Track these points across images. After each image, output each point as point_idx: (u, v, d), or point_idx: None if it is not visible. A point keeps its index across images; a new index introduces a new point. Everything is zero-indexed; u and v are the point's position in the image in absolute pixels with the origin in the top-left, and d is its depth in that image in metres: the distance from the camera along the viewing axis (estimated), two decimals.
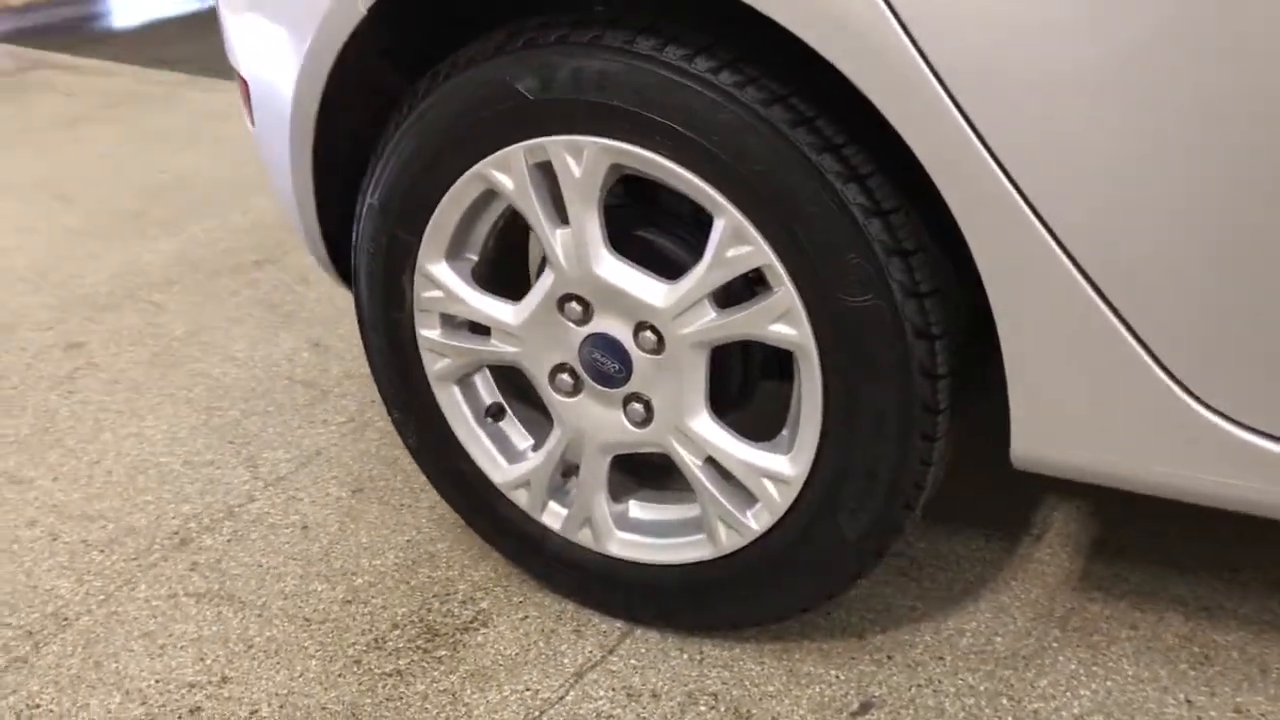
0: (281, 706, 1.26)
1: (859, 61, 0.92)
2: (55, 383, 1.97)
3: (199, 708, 1.27)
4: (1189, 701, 1.19)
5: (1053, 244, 0.92)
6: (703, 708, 1.22)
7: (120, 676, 1.32)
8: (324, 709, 1.26)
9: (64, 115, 3.53)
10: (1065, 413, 1.00)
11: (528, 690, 1.26)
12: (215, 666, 1.33)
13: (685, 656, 1.29)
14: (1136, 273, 0.91)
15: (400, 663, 1.31)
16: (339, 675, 1.30)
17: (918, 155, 0.93)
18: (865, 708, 1.21)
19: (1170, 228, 0.88)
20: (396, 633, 1.36)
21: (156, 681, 1.31)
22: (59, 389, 1.95)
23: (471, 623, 1.36)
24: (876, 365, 1.05)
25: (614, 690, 1.25)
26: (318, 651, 1.34)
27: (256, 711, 1.26)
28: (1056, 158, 0.89)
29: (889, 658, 1.26)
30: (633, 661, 1.29)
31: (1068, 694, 1.20)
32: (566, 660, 1.30)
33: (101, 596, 1.45)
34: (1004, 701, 1.20)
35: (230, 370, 1.97)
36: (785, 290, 1.06)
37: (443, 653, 1.32)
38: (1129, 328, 0.94)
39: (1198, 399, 0.95)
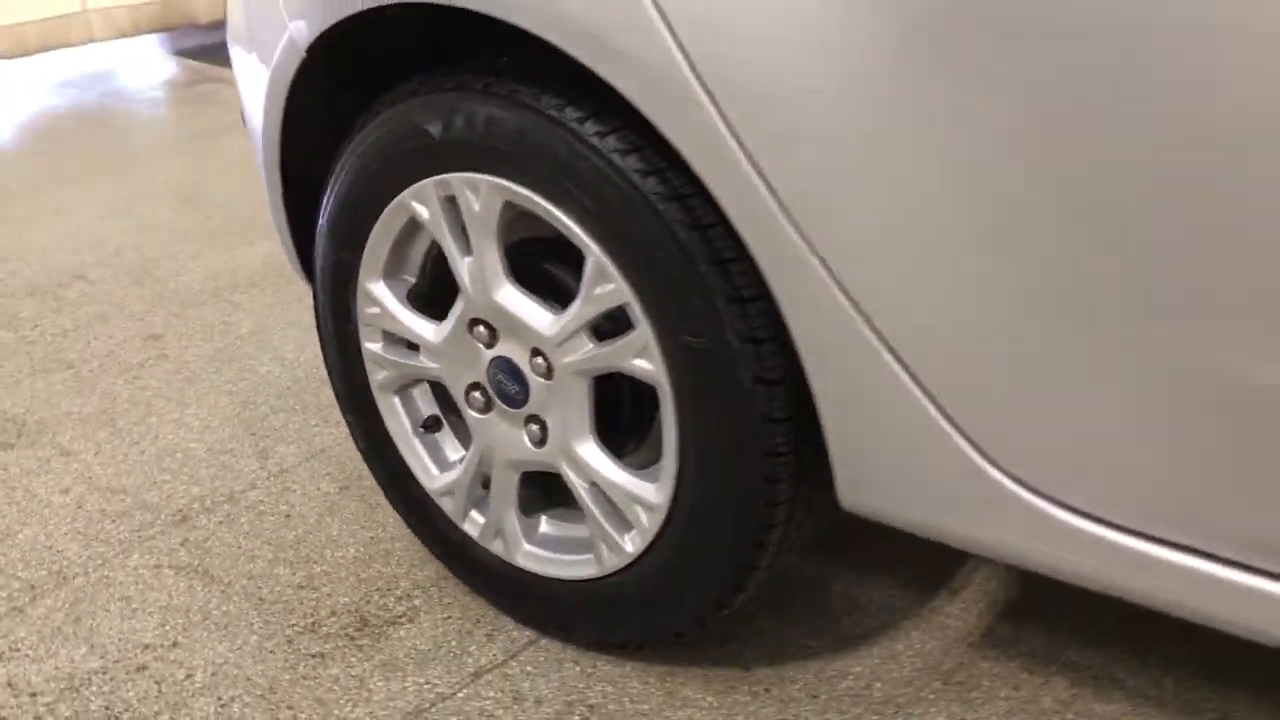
0: (213, 674, 1.40)
1: (671, 123, 0.99)
2: (126, 369, 2.18)
3: (145, 666, 1.41)
4: None
5: (847, 305, 0.96)
6: (576, 717, 1.29)
7: (91, 633, 1.48)
8: (248, 679, 1.38)
9: (213, 126, 3.84)
10: (875, 467, 1.04)
11: (427, 684, 1.36)
12: (171, 632, 1.47)
13: (578, 669, 1.36)
14: (930, 338, 0.95)
15: (326, 646, 1.43)
16: (270, 651, 1.42)
17: (723, 208, 0.99)
18: None
19: (955, 293, 0.92)
20: (332, 619, 1.48)
21: (119, 640, 1.46)
22: (127, 374, 2.16)
23: (400, 617, 1.47)
24: (719, 406, 1.11)
25: (503, 693, 1.33)
26: (260, 629, 1.47)
27: (191, 675, 1.40)
28: (845, 219, 0.94)
29: (766, 690, 1.31)
30: (529, 668, 1.37)
31: None
32: (470, 660, 1.39)
33: (99, 561, 1.62)
34: None
35: (275, 369, 2.14)
36: (643, 328, 1.13)
37: (365, 642, 1.43)
38: (925, 391, 0.97)
39: (994, 464, 0.97)
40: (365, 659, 1.40)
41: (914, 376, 0.96)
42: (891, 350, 0.96)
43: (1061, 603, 1.41)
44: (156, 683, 1.39)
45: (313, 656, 1.41)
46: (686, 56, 0.95)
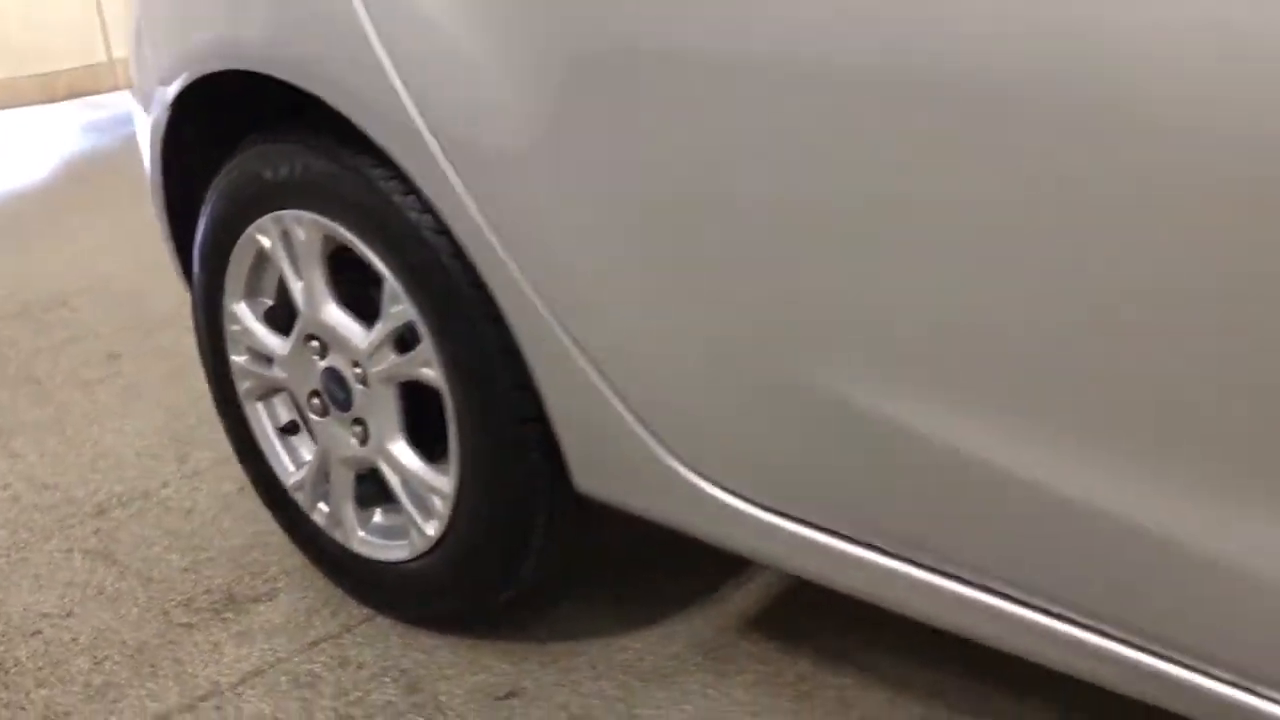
0: (95, 638, 1.62)
1: (408, 163, 1.21)
2: (84, 384, 2.44)
3: (40, 631, 1.65)
4: None
5: (547, 314, 1.18)
6: (387, 679, 1.50)
7: (1, 604, 1.71)
8: (123, 643, 1.61)
9: None
10: (592, 457, 1.24)
11: (270, 650, 1.57)
12: (68, 604, 1.70)
13: (400, 640, 1.57)
14: (607, 342, 1.15)
15: (195, 618, 1.65)
16: (147, 621, 1.65)
17: (457, 237, 1.21)
18: (510, 695, 1.45)
19: (622, 305, 1.12)
20: (205, 596, 1.70)
21: (22, 610, 1.69)
22: (84, 389, 2.41)
23: (262, 596, 1.69)
24: (485, 407, 1.32)
25: (331, 658, 1.54)
26: (143, 603, 1.69)
27: (76, 639, 1.62)
28: (533, 239, 1.15)
29: (554, 661, 1.50)
30: (359, 639, 1.58)
31: (674, 706, 1.41)
32: (312, 632, 1.60)
33: (22, 545, 1.86)
34: (619, 705, 1.42)
35: None
36: (426, 342, 1.35)
37: (229, 615, 1.65)
38: (612, 388, 1.17)
39: (670, 451, 1.17)
40: (224, 629, 1.62)
41: (602, 375, 1.17)
42: (584, 352, 1.17)
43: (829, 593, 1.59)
44: (46, 644, 1.62)
45: (181, 625, 1.63)
46: (416, 106, 1.17)
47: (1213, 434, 0.81)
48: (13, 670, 1.57)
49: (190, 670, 1.54)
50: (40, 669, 1.57)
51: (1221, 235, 0.76)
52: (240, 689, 1.50)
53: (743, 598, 1.61)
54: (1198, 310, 0.78)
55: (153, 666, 1.56)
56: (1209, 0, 0.73)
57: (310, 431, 1.62)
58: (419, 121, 1.18)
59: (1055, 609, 0.94)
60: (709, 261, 1.05)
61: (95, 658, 1.58)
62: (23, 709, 1.50)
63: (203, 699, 1.49)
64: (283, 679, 1.51)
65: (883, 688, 1.42)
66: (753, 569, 1.65)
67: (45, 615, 1.68)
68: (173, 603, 1.69)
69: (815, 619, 1.54)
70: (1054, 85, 0.79)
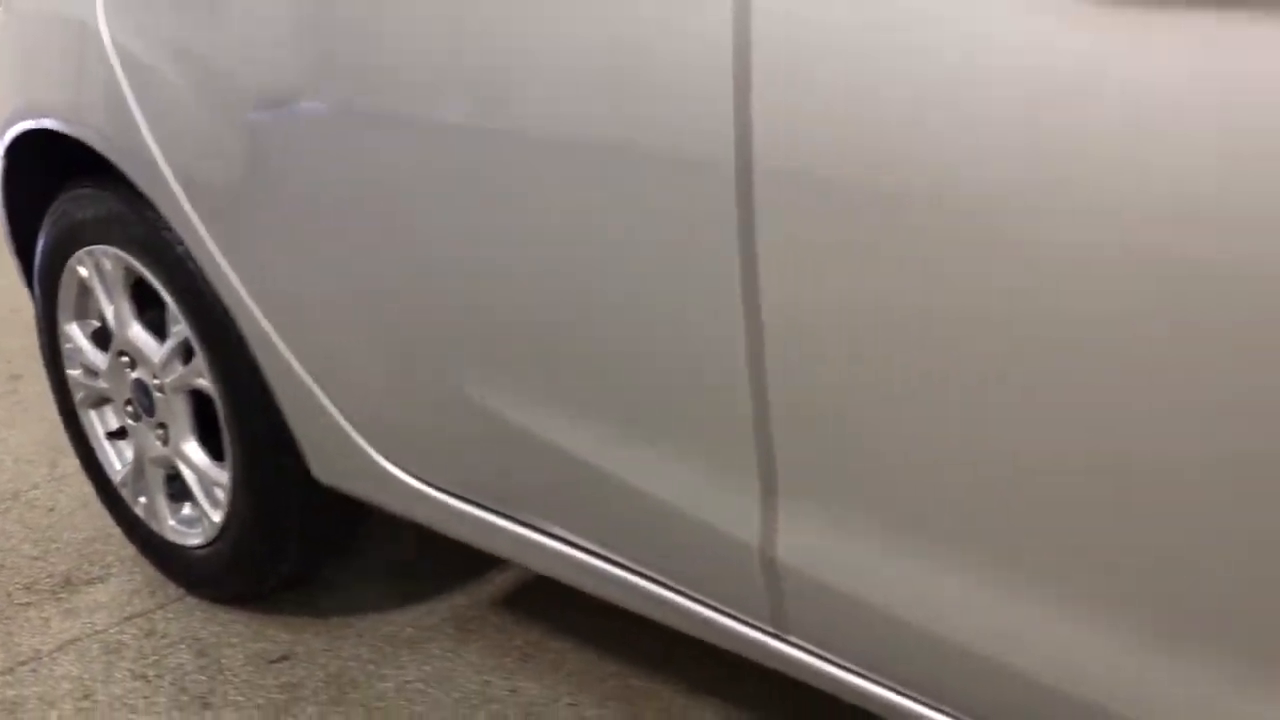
0: None
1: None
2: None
3: None
4: (513, 690, 1.62)
5: (275, 337, 1.44)
6: (183, 646, 1.75)
7: None
8: None
9: None
10: (317, 446, 1.50)
11: (89, 624, 1.82)
12: None
13: (204, 615, 1.82)
14: (326, 364, 1.41)
15: (34, 598, 1.90)
16: None
17: (201, 266, 1.47)
18: (282, 658, 1.70)
19: (306, 309, 1.38)
20: (48, 580, 1.95)
21: None
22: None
23: (95, 579, 1.94)
24: (245, 409, 1.58)
25: (140, 630, 1.79)
26: None
27: None
28: (258, 269, 1.41)
29: (328, 630, 1.75)
30: (169, 615, 1.83)
31: (415, 666, 1.66)
32: (130, 609, 1.85)
33: None
34: (370, 666, 1.67)
35: None
36: (200, 356, 1.61)
37: (63, 595, 1.90)
38: (332, 401, 1.43)
39: (368, 442, 1.43)
40: (57, 607, 1.87)
41: (318, 383, 1.43)
42: (302, 365, 1.43)
43: None
44: None
45: (19, 604, 1.89)
46: (160, 151, 1.44)
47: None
48: None
49: (17, 640, 1.79)
50: None
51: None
52: (56, 655, 1.75)
53: (502, 578, 1.86)
54: (637, 303, 1.04)
55: None
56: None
57: (129, 435, 1.88)
58: (163, 165, 1.44)
59: (611, 555, 1.20)
60: (380, 293, 1.31)
61: None
62: None
63: (22, 664, 1.74)
64: (95, 647, 1.76)
65: (593, 650, 1.67)
66: None
67: None
68: (17, 585, 1.94)
69: (553, 595, 1.79)
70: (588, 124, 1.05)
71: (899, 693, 1.02)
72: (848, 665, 1.05)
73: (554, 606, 1.77)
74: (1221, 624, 0.78)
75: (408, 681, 1.64)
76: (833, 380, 0.91)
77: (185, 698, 1.64)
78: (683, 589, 1.14)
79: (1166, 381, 0.74)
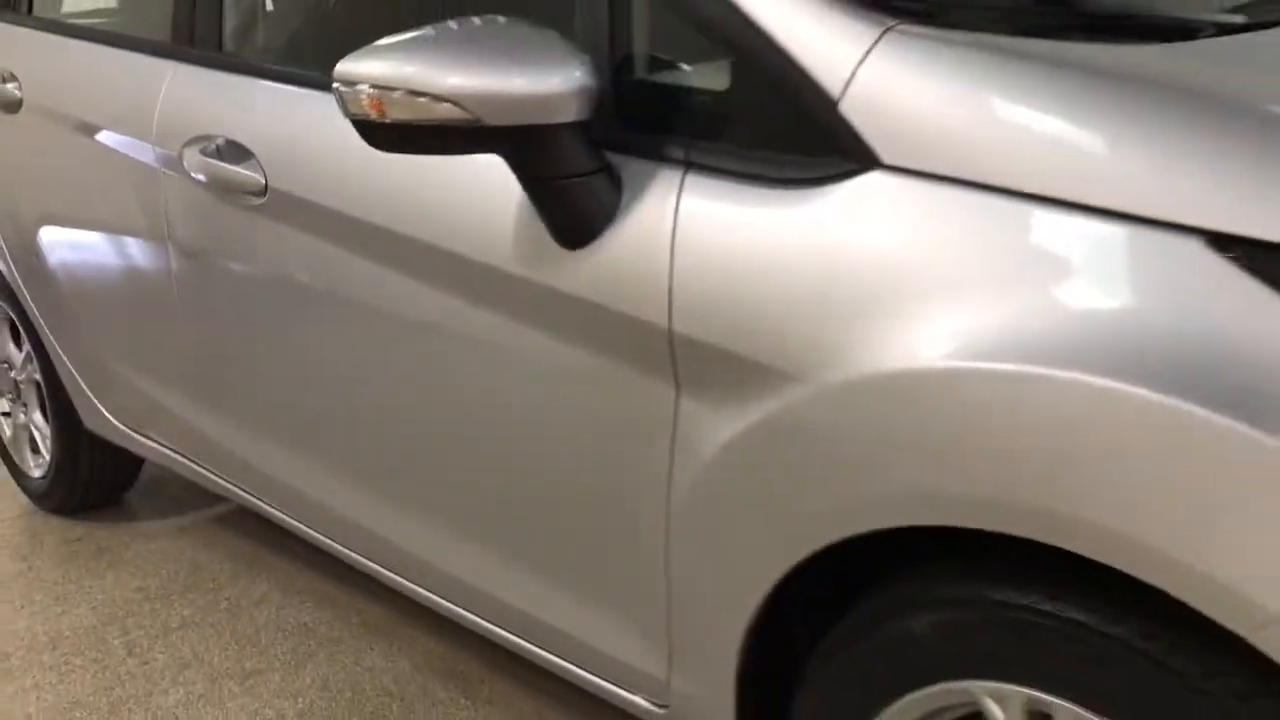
0: None
1: None
2: None
3: None
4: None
5: (51, 337, 2.65)
6: (19, 531, 2.94)
7: None
8: None
9: None
10: (84, 413, 2.70)
11: None
12: None
13: (44, 519, 3.01)
14: (80, 357, 2.62)
15: None
16: None
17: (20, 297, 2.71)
18: (78, 540, 2.89)
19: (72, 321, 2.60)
20: None
21: None
22: None
23: None
24: (55, 390, 2.78)
25: (10, 528, 2.99)
26: None
27: None
28: (51, 312, 2.63)
29: (124, 524, 2.94)
30: (25, 518, 3.02)
31: (160, 560, 2.83)
32: (12, 514, 3.05)
33: None
34: (108, 554, 2.84)
35: None
36: (36, 362, 2.83)
37: None
38: (83, 379, 2.64)
39: (109, 410, 2.63)
40: None
41: (75, 367, 2.63)
42: (66, 355, 2.64)
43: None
44: None
45: None
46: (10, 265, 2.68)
47: None
48: None
49: None
50: None
51: None
52: None
53: (239, 528, 3.03)
54: None
55: None
56: None
57: (10, 413, 3.11)
58: (12, 269, 2.68)
59: None
60: (98, 308, 2.51)
61: None
62: None
63: None
64: None
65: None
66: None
67: None
68: None
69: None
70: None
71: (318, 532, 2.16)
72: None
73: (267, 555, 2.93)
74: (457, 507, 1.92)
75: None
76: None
77: (14, 557, 2.83)
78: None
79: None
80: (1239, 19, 1.31)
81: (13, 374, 2.97)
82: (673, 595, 1.37)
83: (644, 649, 1.45)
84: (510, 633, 1.68)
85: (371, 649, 2.32)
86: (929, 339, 1.07)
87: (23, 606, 2.57)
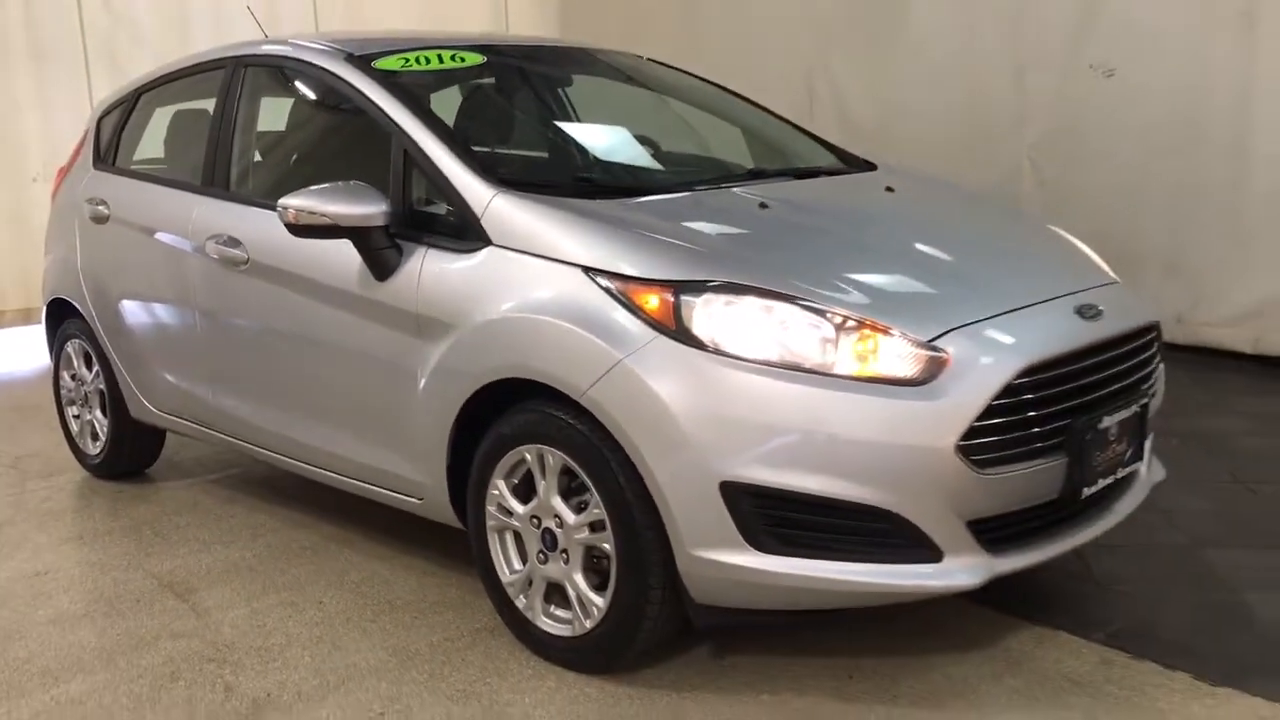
0: None
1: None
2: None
3: None
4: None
5: (111, 348, 4.38)
6: (85, 489, 4.62)
7: None
8: None
9: None
10: (130, 404, 4.41)
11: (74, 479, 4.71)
12: None
13: (96, 482, 4.69)
14: (132, 363, 4.34)
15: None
16: None
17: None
18: (53, 475, 4.57)
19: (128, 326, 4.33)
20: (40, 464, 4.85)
21: None
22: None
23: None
24: (112, 395, 4.50)
25: (81, 488, 4.67)
26: None
27: None
28: (113, 323, 4.37)
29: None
30: (90, 481, 4.70)
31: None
32: (83, 483, 4.73)
33: None
34: (154, 532, 4.53)
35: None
36: (100, 368, 4.55)
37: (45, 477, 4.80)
38: (133, 378, 4.36)
39: (155, 406, 4.35)
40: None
41: (126, 370, 4.35)
42: (122, 363, 4.36)
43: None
44: None
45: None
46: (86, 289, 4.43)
47: None
48: None
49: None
50: None
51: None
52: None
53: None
54: None
55: None
56: None
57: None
58: (87, 294, 4.42)
59: None
60: (149, 337, 4.24)
61: None
62: None
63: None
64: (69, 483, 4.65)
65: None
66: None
67: None
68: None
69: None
70: None
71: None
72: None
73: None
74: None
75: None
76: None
77: (77, 498, 4.50)
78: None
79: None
80: (671, 182, 3.13)
81: (84, 387, 4.68)
82: (415, 434, 3.09)
83: (406, 468, 3.16)
84: (331, 472, 3.42)
85: (340, 556, 3.99)
86: (497, 307, 2.83)
87: (86, 520, 4.24)
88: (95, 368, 4.55)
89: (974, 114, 6.44)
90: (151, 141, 4.52)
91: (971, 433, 2.48)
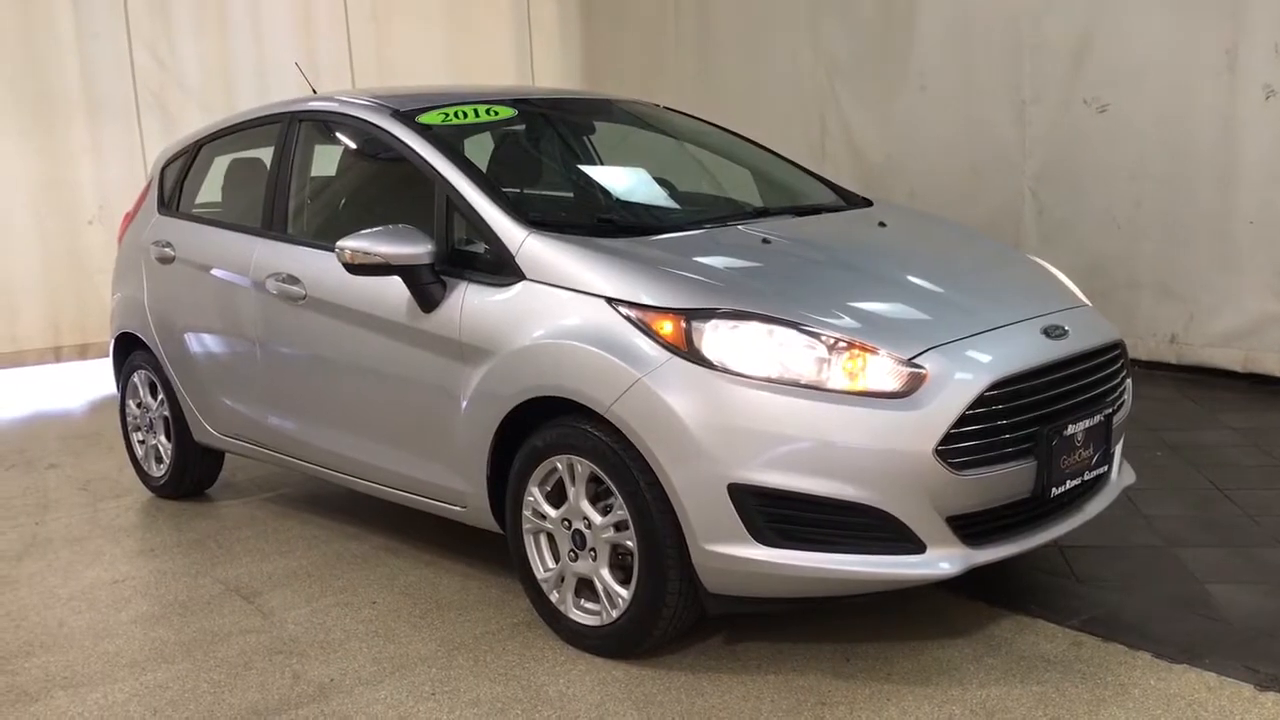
0: None
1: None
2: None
3: None
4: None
5: (171, 369, 4.78)
6: (159, 512, 5.02)
7: None
8: None
9: None
10: (192, 425, 4.81)
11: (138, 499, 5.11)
12: None
13: (171, 505, 5.08)
14: (194, 389, 4.74)
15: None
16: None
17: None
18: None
19: (188, 353, 4.74)
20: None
21: None
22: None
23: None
24: (176, 420, 4.91)
25: (150, 507, 5.07)
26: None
27: None
28: (175, 352, 4.77)
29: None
30: (163, 504, 5.10)
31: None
32: (149, 502, 5.13)
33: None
34: (216, 541, 4.92)
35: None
36: (163, 393, 4.96)
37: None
38: (194, 399, 4.76)
39: (213, 427, 4.75)
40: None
41: (187, 393, 4.75)
42: (184, 387, 4.76)
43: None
44: None
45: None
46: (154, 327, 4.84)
47: None
48: None
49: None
50: None
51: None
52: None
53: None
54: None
55: None
56: None
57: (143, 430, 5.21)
58: (153, 328, 4.84)
59: None
60: (211, 366, 4.65)
61: None
62: None
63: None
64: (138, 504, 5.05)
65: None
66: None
67: None
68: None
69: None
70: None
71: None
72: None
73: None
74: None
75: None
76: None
77: (143, 515, 4.90)
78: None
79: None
80: (683, 221, 3.52)
81: (149, 414, 5.09)
82: (458, 448, 3.46)
83: (450, 479, 3.53)
84: (381, 485, 3.81)
85: (388, 563, 4.35)
86: (530, 334, 3.20)
87: (155, 534, 4.62)
88: (160, 396, 4.95)
89: (978, 147, 6.81)
90: (208, 187, 4.94)
91: (948, 438, 2.83)
